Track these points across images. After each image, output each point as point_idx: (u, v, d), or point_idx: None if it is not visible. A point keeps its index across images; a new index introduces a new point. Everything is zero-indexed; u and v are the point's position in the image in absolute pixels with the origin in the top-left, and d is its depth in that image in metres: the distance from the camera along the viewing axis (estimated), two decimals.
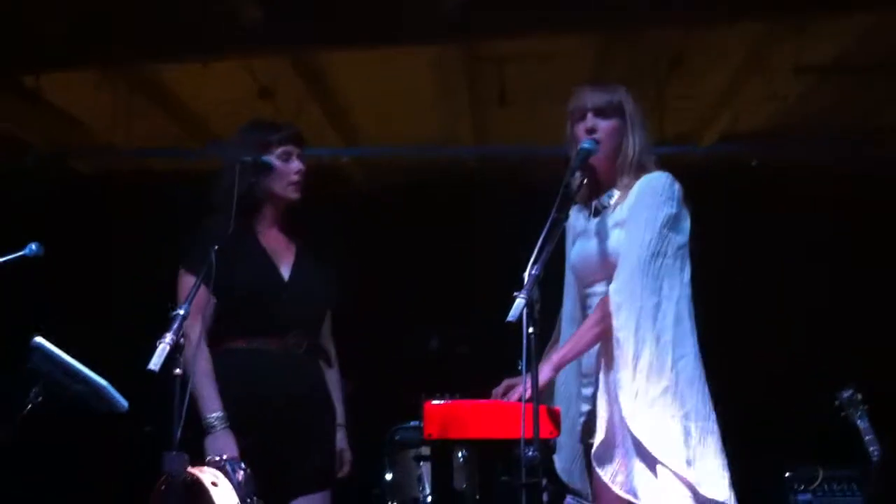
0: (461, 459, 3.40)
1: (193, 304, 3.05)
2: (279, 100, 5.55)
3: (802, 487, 4.75)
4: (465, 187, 6.10)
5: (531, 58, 5.42)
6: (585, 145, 3.16)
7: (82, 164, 6.50)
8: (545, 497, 2.71)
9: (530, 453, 2.69)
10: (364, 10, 4.90)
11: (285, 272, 3.56)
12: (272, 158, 3.50)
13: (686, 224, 3.18)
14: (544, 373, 3.07)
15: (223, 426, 3.29)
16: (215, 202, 3.48)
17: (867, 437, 4.36)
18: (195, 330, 3.28)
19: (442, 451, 3.27)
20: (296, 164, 3.57)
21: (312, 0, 4.88)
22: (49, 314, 3.37)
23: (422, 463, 3.70)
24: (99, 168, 6.52)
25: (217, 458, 3.02)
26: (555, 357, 3.15)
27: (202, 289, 3.19)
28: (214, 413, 3.30)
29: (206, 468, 2.95)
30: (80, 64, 5.35)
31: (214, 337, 3.43)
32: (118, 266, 5.73)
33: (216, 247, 3.10)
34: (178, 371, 2.85)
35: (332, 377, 3.70)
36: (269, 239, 3.59)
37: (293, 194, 3.58)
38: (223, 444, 3.24)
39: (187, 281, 3.35)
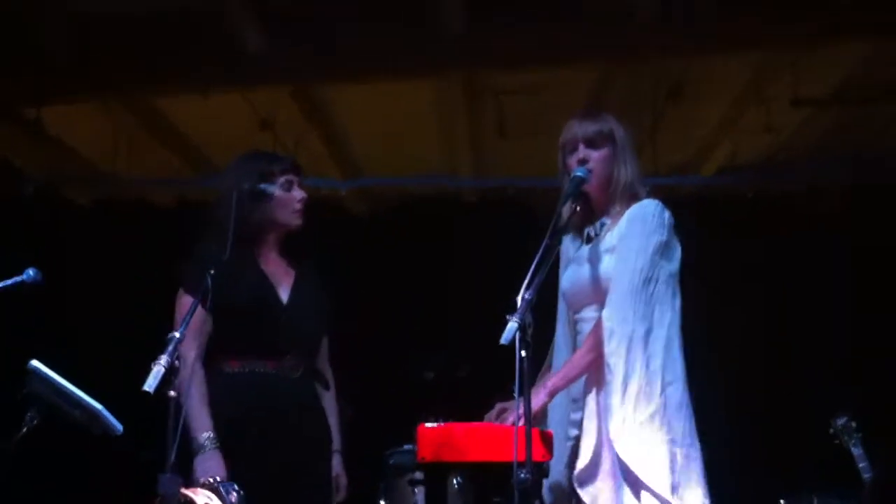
0: (456, 486, 3.38)
1: (190, 326, 3.07)
2: (279, 131, 5.59)
3: None
4: (463, 218, 6.11)
5: (531, 90, 5.46)
6: (578, 173, 3.20)
7: (80, 194, 6.52)
8: None
9: (523, 475, 2.69)
10: (364, 43, 4.95)
11: (284, 295, 3.59)
12: (270, 187, 3.52)
13: (677, 252, 3.21)
14: (539, 398, 3.08)
15: (213, 447, 3.30)
16: (213, 227, 3.50)
17: (861, 465, 4.35)
18: (191, 350, 3.31)
19: (436, 474, 3.25)
20: (298, 193, 3.65)
21: (314, 32, 4.92)
22: (45, 339, 3.35)
23: (416, 490, 3.68)
24: (97, 198, 6.54)
25: (211, 480, 3.01)
26: (549, 383, 3.16)
27: (199, 310, 3.21)
28: (205, 433, 3.31)
29: (199, 490, 2.94)
30: (81, 95, 5.40)
31: (210, 357, 3.44)
32: (115, 293, 5.74)
33: (212, 270, 3.11)
34: (172, 393, 2.85)
35: (329, 402, 3.70)
36: (269, 263, 3.62)
37: (296, 221, 3.63)
38: (212, 464, 3.24)
39: (184, 302, 3.37)
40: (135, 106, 5.57)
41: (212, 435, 3.31)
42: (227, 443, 3.32)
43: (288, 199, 3.60)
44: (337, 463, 3.66)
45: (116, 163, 5.96)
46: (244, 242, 3.46)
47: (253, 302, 3.49)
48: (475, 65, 5.21)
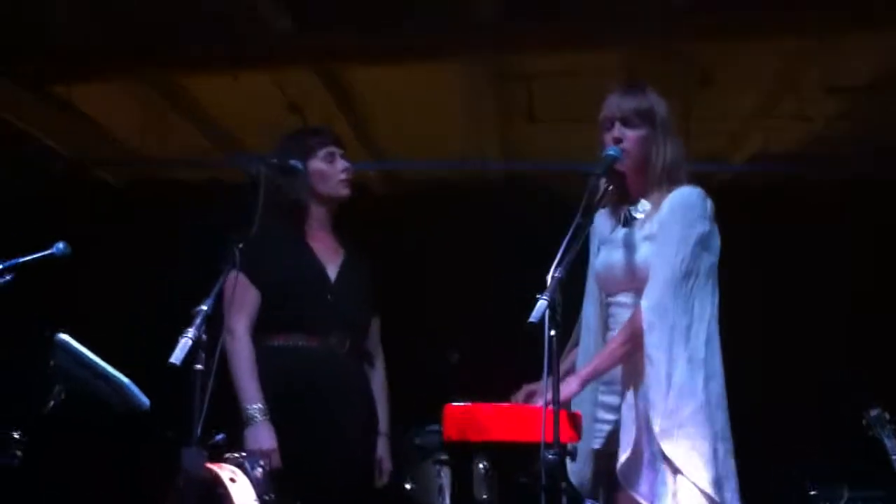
0: (482, 470, 3.36)
1: (238, 300, 3.15)
2: (307, 114, 5.57)
3: None
4: (491, 202, 6.09)
5: (560, 75, 5.41)
6: (610, 152, 3.14)
7: (110, 173, 6.54)
8: (564, 501, 2.67)
9: (550, 456, 2.67)
10: (393, 25, 4.93)
11: (332, 273, 3.60)
12: (298, 163, 3.52)
13: (716, 242, 3.16)
14: (570, 387, 3.04)
15: (263, 417, 3.33)
16: (245, 206, 3.50)
17: (894, 456, 4.30)
18: (240, 324, 3.36)
19: (461, 454, 3.24)
20: (341, 164, 3.68)
21: (342, 14, 4.89)
22: (74, 316, 3.37)
23: (442, 473, 3.67)
24: (127, 177, 6.56)
25: (236, 455, 3.01)
26: (583, 371, 3.12)
27: (248, 285, 3.33)
28: (255, 404, 3.35)
29: (224, 465, 2.94)
30: (112, 75, 5.41)
31: (256, 332, 3.46)
32: (144, 271, 5.75)
33: (240, 245, 3.10)
34: (198, 367, 2.85)
35: (378, 384, 3.70)
36: (318, 240, 3.65)
37: (342, 191, 3.67)
38: (263, 435, 3.28)
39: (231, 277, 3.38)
40: (165, 86, 5.58)
41: (262, 406, 3.34)
42: (271, 415, 3.35)
43: (331, 171, 3.63)
44: (382, 446, 3.65)
45: (146, 142, 5.97)
46: (289, 219, 3.50)
47: (299, 278, 3.52)
48: (506, 49, 5.17)
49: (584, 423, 3.14)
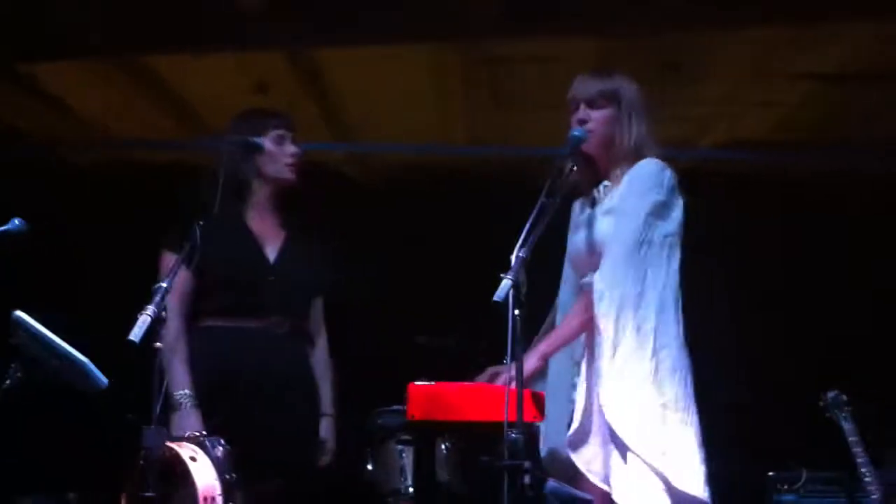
0: (444, 451, 3.35)
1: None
2: (273, 95, 5.53)
3: (786, 488, 4.71)
4: (458, 186, 6.08)
5: (528, 61, 5.41)
6: (575, 133, 3.17)
7: (75, 155, 6.47)
8: (527, 480, 2.66)
9: (513, 435, 2.66)
10: (362, 7, 4.90)
11: (271, 255, 3.56)
12: (263, 140, 3.50)
13: (677, 213, 3.15)
14: (531, 361, 3.06)
15: (191, 404, 3.29)
16: (204, 184, 3.47)
17: (851, 439, 4.33)
18: (171, 307, 3.27)
19: (424, 434, 3.23)
20: (290, 147, 3.63)
21: None
22: (36, 296, 3.32)
23: (404, 454, 3.65)
24: (91, 159, 6.49)
25: (196, 434, 2.99)
26: (542, 346, 3.15)
27: (182, 266, 3.18)
28: (181, 390, 3.30)
29: (184, 443, 2.92)
30: (76, 55, 5.35)
31: (194, 314, 3.41)
32: (108, 253, 5.71)
33: (200, 223, 3.07)
34: (158, 345, 2.82)
35: (320, 364, 3.69)
36: (259, 222, 3.60)
37: (287, 175, 3.62)
38: (189, 422, 3.24)
39: (167, 258, 3.35)
40: (129, 67, 5.52)
41: (188, 392, 3.31)
42: (208, 396, 3.31)
43: (279, 153, 3.58)
44: (325, 427, 3.63)
45: (111, 123, 5.91)
46: (233, 199, 3.44)
47: (238, 261, 3.47)
48: (472, 33, 5.15)
49: (562, 406, 3.15)
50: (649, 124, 3.28)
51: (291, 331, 3.55)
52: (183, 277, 3.34)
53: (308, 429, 3.57)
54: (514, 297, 2.69)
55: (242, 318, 3.46)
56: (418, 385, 3.03)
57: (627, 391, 2.96)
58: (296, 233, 3.68)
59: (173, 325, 3.34)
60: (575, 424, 3.07)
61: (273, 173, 3.59)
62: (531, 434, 2.94)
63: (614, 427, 2.95)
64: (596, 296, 3.02)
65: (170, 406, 3.27)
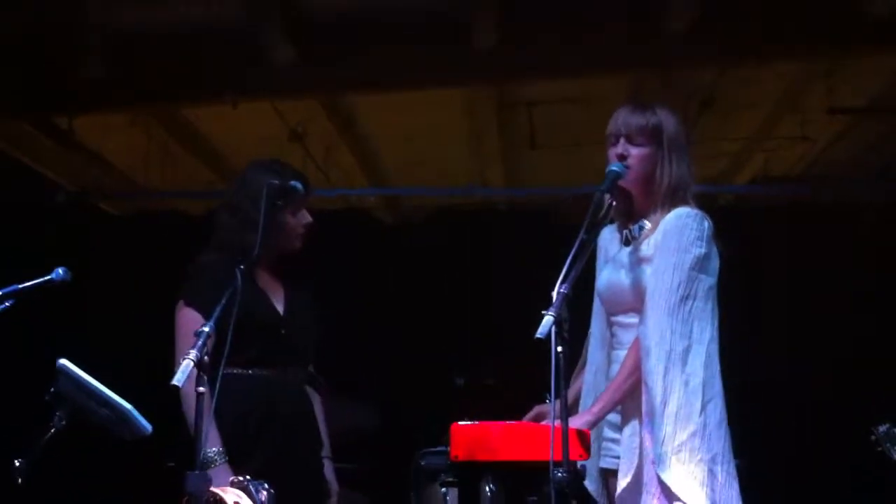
0: (489, 493, 3.31)
1: (190, 337, 3.05)
2: (309, 142, 5.58)
3: None
4: (493, 227, 6.09)
5: (562, 101, 5.43)
6: (614, 168, 3.09)
7: (112, 205, 6.55)
8: None
9: (560, 474, 2.63)
10: (395, 54, 4.93)
11: (279, 306, 3.55)
12: (298, 183, 3.46)
13: (715, 263, 3.08)
14: (583, 423, 3.00)
15: (222, 461, 3.28)
16: (233, 225, 3.45)
17: None
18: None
19: (468, 475, 3.19)
20: (305, 218, 3.53)
21: (344, 43, 4.90)
22: (74, 347, 3.33)
23: (448, 497, 3.62)
24: (128, 209, 6.57)
25: (241, 479, 2.97)
26: (595, 408, 3.06)
27: (200, 321, 3.17)
28: (214, 448, 3.28)
29: (228, 488, 2.90)
30: (113, 106, 5.41)
31: (212, 362, 3.39)
32: (143, 302, 5.74)
33: (241, 267, 3.06)
34: (201, 389, 2.81)
35: (318, 408, 3.68)
36: (263, 280, 3.58)
37: (297, 245, 3.57)
38: (222, 479, 3.20)
39: (186, 314, 3.34)
40: (166, 117, 5.59)
41: (220, 449, 3.29)
42: (229, 442, 3.30)
43: (294, 223, 3.53)
44: (328, 469, 3.62)
45: (148, 174, 5.98)
46: (243, 259, 3.38)
47: (254, 315, 3.43)
48: (505, 77, 5.18)
49: (593, 442, 3.10)
50: (689, 161, 3.22)
51: (301, 380, 3.57)
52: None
53: (318, 474, 3.58)
54: (556, 333, 2.65)
55: (264, 367, 3.45)
56: (461, 425, 2.98)
57: (677, 448, 2.90)
58: (292, 282, 3.63)
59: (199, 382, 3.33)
60: (625, 481, 3.00)
61: (282, 242, 3.52)
62: (577, 472, 2.90)
63: (668, 484, 2.90)
64: (643, 353, 2.97)
65: (199, 461, 3.24)
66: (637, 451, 3.02)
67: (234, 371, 3.39)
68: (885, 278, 5.67)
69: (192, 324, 3.19)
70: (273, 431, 3.41)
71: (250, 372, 3.44)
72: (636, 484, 3.00)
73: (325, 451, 3.64)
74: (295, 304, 3.60)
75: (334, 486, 3.63)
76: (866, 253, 5.77)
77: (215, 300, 3.08)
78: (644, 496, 2.99)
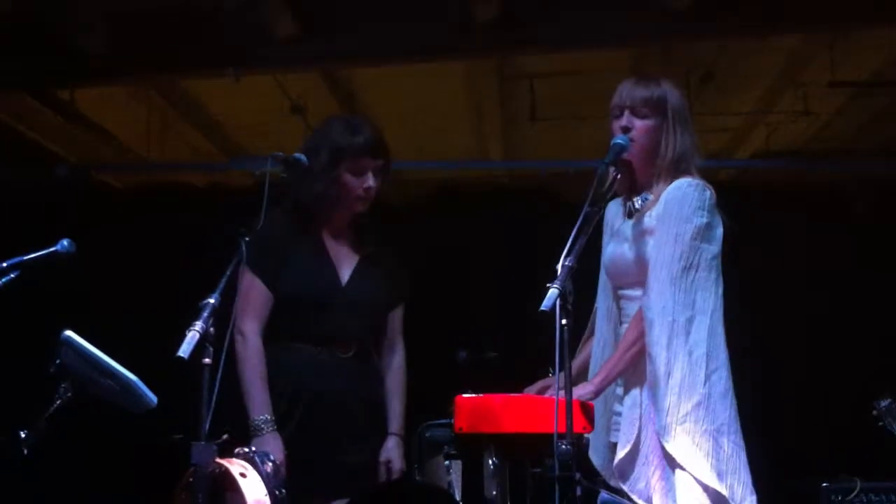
0: (492, 465, 3.33)
1: (251, 302, 3.24)
2: (310, 116, 5.57)
3: (840, 499, 4.64)
4: (494, 201, 6.08)
5: (562, 74, 5.41)
6: (618, 140, 3.09)
7: (113, 177, 6.54)
8: (578, 491, 2.64)
9: (564, 447, 2.64)
10: (396, 27, 4.92)
11: (345, 275, 3.53)
12: (301, 155, 3.42)
13: (718, 232, 3.09)
14: (585, 392, 3.01)
15: (270, 429, 3.28)
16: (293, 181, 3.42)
17: None
18: (252, 328, 3.36)
19: (472, 447, 3.21)
20: (366, 182, 3.49)
21: (344, 16, 4.88)
22: (77, 318, 3.33)
23: (451, 470, 3.63)
24: (129, 181, 6.56)
25: (246, 450, 2.98)
26: (596, 380, 3.07)
27: (262, 287, 3.35)
28: (263, 416, 3.30)
29: (234, 459, 2.92)
30: (114, 79, 5.40)
31: (270, 335, 3.43)
32: (146, 273, 5.76)
33: (245, 238, 3.05)
34: (206, 361, 2.82)
35: (394, 383, 3.62)
36: (334, 244, 3.56)
37: (359, 207, 3.55)
38: (270, 446, 3.22)
39: (247, 279, 3.35)
40: (167, 90, 5.58)
41: (269, 417, 3.30)
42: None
43: (353, 184, 3.47)
44: (392, 447, 3.54)
45: (149, 146, 5.97)
46: (305, 219, 3.44)
47: (311, 287, 3.44)
48: (505, 51, 5.16)
49: (601, 416, 3.12)
50: (693, 134, 3.21)
51: (356, 353, 3.53)
52: (264, 298, 3.39)
53: (366, 454, 3.52)
54: (560, 306, 2.66)
55: (309, 343, 3.45)
56: (465, 397, 3.00)
57: (682, 418, 2.92)
58: (373, 247, 3.61)
59: (254, 345, 3.36)
60: (624, 449, 3.03)
61: (343, 204, 3.50)
62: (580, 445, 2.92)
63: (673, 455, 2.93)
64: (646, 324, 2.99)
65: (249, 429, 3.26)
66: (637, 422, 3.05)
67: (281, 345, 3.42)
68: (885, 253, 5.68)
69: (251, 289, 3.33)
70: (299, 409, 3.41)
71: (295, 348, 3.45)
72: (635, 453, 3.03)
73: (394, 427, 3.57)
74: (362, 274, 3.57)
75: (397, 464, 3.54)
76: (867, 228, 5.78)
77: (275, 266, 3.28)
78: (644, 467, 3.02)
